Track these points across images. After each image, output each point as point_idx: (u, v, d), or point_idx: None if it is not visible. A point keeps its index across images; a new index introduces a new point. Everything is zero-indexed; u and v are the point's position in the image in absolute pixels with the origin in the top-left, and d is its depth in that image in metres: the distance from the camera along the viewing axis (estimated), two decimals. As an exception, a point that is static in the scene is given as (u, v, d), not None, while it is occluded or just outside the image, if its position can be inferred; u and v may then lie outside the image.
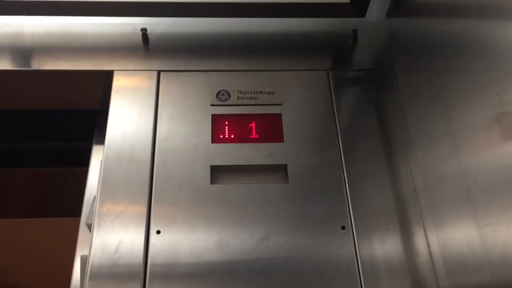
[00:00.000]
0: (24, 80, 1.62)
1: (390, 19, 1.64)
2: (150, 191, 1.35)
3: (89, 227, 1.34)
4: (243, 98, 1.53)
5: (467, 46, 1.13)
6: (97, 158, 1.68)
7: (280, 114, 1.50)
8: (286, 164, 1.41)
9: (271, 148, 1.44)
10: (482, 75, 1.07)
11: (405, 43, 1.51)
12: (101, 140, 1.69)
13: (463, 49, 1.15)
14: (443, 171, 1.24)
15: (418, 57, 1.40)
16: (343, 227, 1.31)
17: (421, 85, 1.38)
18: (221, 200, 1.34)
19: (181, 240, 1.28)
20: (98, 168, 1.61)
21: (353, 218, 1.33)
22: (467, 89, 1.13)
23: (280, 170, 1.41)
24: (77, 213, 1.59)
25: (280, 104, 1.52)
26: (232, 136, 1.46)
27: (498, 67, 1.01)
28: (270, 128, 1.48)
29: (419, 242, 1.31)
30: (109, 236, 1.27)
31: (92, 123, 1.77)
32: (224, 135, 1.46)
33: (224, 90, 1.54)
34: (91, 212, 1.38)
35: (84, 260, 1.29)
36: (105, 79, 1.56)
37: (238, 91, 1.54)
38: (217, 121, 1.48)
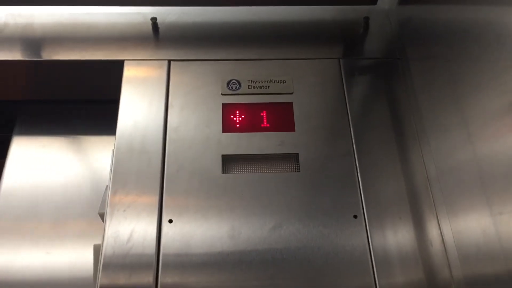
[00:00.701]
0: (35, 70, 1.62)
1: (401, 6, 1.62)
2: (161, 181, 1.35)
3: (102, 216, 1.35)
4: (254, 87, 1.53)
5: (480, 34, 1.12)
6: (17, 149, 1.69)
7: (291, 103, 1.49)
8: (298, 153, 1.40)
9: (282, 137, 1.43)
10: (496, 62, 1.06)
11: (417, 30, 1.49)
12: (23, 131, 1.73)
13: (476, 36, 1.14)
14: (456, 160, 1.23)
15: (430, 45, 1.39)
16: (355, 216, 1.31)
17: (433, 73, 1.36)
18: (232, 190, 1.34)
19: (193, 229, 1.28)
20: (20, 159, 1.66)
21: (365, 207, 1.32)
22: (481, 76, 1.12)
23: (291, 159, 1.41)
24: None
25: (291, 93, 1.52)
26: (243, 125, 1.45)
27: (512, 54, 1.00)
28: (281, 117, 1.47)
29: (432, 231, 1.30)
30: (122, 225, 1.28)
31: (14, 113, 1.76)
32: (235, 124, 1.46)
33: (234, 79, 1.54)
34: (103, 201, 1.39)
35: (97, 249, 1.30)
36: (116, 69, 1.56)
37: (248, 80, 1.54)
38: (228, 110, 1.48)
